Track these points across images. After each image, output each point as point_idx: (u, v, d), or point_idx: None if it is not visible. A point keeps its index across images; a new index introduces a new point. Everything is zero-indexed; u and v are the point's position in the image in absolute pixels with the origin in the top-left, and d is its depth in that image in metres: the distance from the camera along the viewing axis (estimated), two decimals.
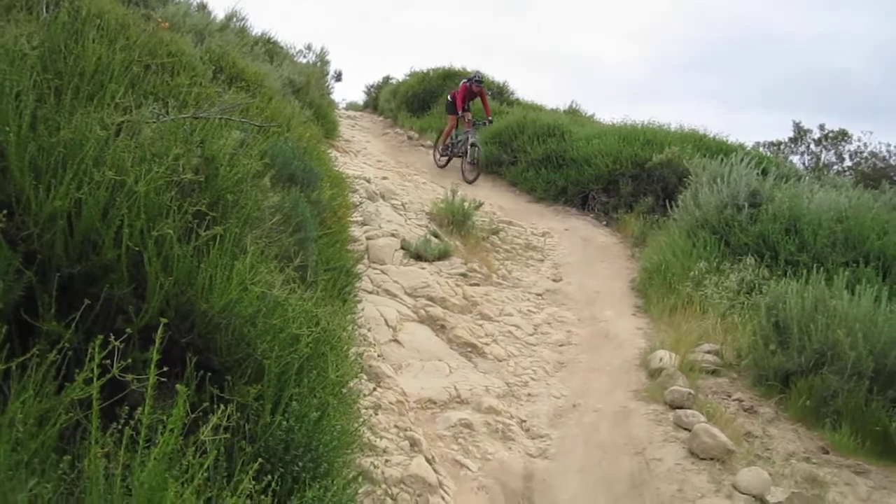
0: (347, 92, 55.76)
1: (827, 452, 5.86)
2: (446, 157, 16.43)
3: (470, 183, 14.81)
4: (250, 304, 3.00)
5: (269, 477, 2.44)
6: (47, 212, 2.74)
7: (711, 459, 5.31)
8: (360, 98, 28.04)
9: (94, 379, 1.99)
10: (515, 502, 4.86)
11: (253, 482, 2.40)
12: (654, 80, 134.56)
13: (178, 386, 2.00)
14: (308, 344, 3.19)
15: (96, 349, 2.05)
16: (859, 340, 6.31)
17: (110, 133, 3.20)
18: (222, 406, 2.53)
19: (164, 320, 2.42)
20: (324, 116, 13.97)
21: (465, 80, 16.52)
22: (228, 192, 3.59)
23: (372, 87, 26.72)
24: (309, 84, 14.31)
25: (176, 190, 3.27)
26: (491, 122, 16.44)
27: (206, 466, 2.06)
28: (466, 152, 15.46)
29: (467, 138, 15.48)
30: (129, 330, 2.59)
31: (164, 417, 2.14)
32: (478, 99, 16.55)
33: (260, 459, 2.63)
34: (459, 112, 15.88)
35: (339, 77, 21.94)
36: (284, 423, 2.88)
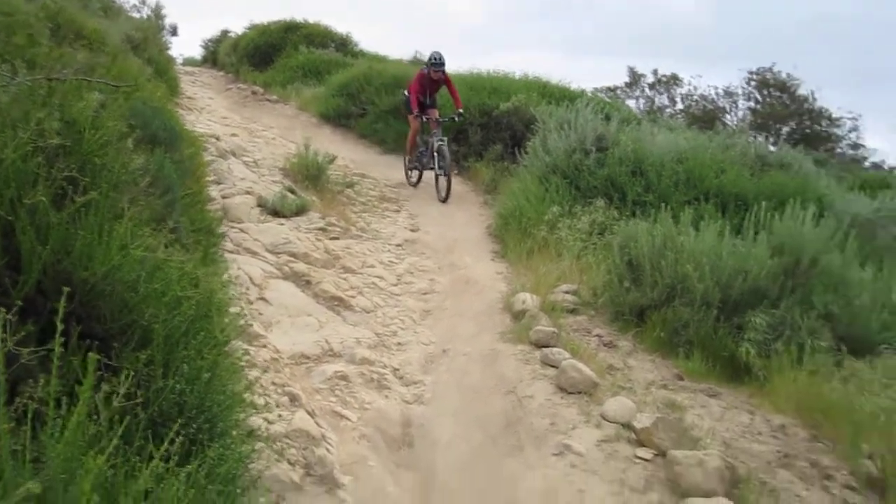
0: (184, 47, 53.89)
1: (682, 379, 6.25)
2: (416, 172, 12.99)
3: (443, 202, 11.89)
4: (132, 268, 2.95)
5: (173, 440, 2.43)
6: None
7: (579, 393, 5.58)
8: (197, 53, 27.22)
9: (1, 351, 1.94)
10: (396, 448, 4.98)
11: (153, 446, 2.40)
12: (494, 28, 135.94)
13: (90, 354, 1.97)
14: (192, 306, 3.17)
15: None
16: (706, 273, 6.72)
17: None
18: (114, 374, 2.50)
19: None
20: (164, 73, 13.48)
21: (422, 67, 13.12)
22: (95, 156, 3.48)
23: (210, 41, 26.01)
24: (146, 40, 13.73)
25: (41, 156, 3.16)
26: (461, 115, 12.85)
27: (118, 434, 2.05)
28: (434, 161, 12.18)
29: (432, 143, 12.19)
30: (17, 303, 2.50)
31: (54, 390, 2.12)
32: (444, 89, 13.09)
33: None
34: (415, 111, 12.45)
35: (175, 32, 21.20)
36: (177, 385, 2.87)
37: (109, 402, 2.38)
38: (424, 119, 12.50)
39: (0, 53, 4.48)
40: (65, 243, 2.86)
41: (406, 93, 12.99)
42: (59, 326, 2.07)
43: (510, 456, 4.89)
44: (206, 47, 26.56)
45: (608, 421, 5.19)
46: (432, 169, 12.37)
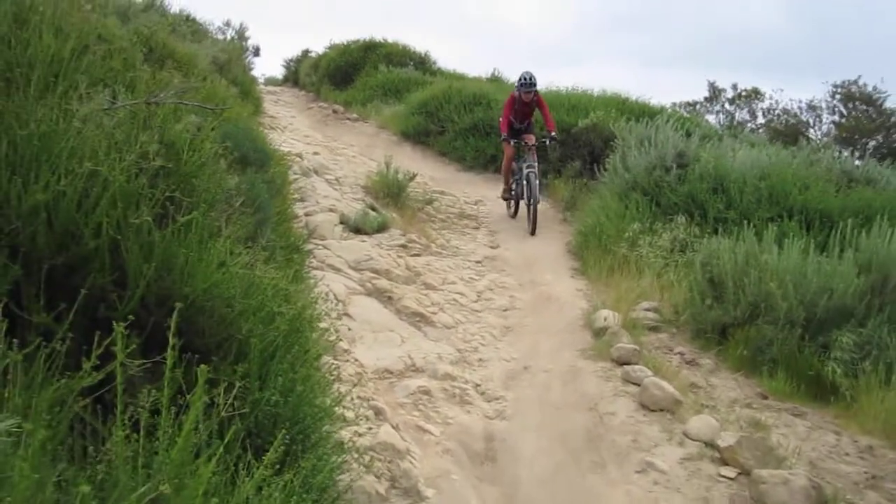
0: (266, 67, 55.09)
1: (766, 398, 6.18)
2: (513, 202, 12.09)
3: (531, 234, 11.07)
4: (230, 284, 3.08)
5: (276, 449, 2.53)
6: (29, 205, 2.77)
7: (661, 410, 5.57)
8: (278, 72, 27.76)
9: (118, 363, 2.06)
10: (479, 462, 5.04)
11: (251, 456, 2.51)
12: (570, 42, 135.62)
13: (201, 366, 2.09)
14: (285, 321, 3.29)
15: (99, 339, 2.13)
16: (790, 291, 6.63)
17: (83, 124, 3.22)
18: (213, 386, 2.62)
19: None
20: (248, 93, 13.84)
21: (513, 90, 12.08)
22: (193, 177, 3.64)
23: (291, 60, 26.49)
24: (231, 61, 14.13)
25: (144, 178, 3.32)
26: (555, 138, 12.14)
27: (226, 441, 2.16)
28: (523, 192, 11.44)
29: (523, 170, 11.40)
30: (130, 317, 2.64)
31: (163, 399, 2.24)
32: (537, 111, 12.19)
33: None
34: (504, 133, 11.73)
35: (257, 52, 21.71)
36: (272, 397, 2.98)
37: (209, 413, 2.50)
38: (514, 143, 11.65)
39: (101, 78, 4.71)
40: (167, 261, 3.00)
41: (500, 119, 12.13)
42: (172, 340, 2.19)
43: (592, 472, 4.91)
44: (287, 67, 27.08)
45: (691, 439, 5.18)
46: (522, 199, 11.60)
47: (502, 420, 5.64)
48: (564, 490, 4.74)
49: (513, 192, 11.95)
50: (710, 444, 5.10)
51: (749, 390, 6.25)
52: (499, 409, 5.79)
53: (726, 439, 5.02)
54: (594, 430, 5.41)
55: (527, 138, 11.69)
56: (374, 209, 10.18)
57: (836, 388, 6.16)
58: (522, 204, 11.66)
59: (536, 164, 11.36)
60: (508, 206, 12.17)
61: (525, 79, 11.59)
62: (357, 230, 9.32)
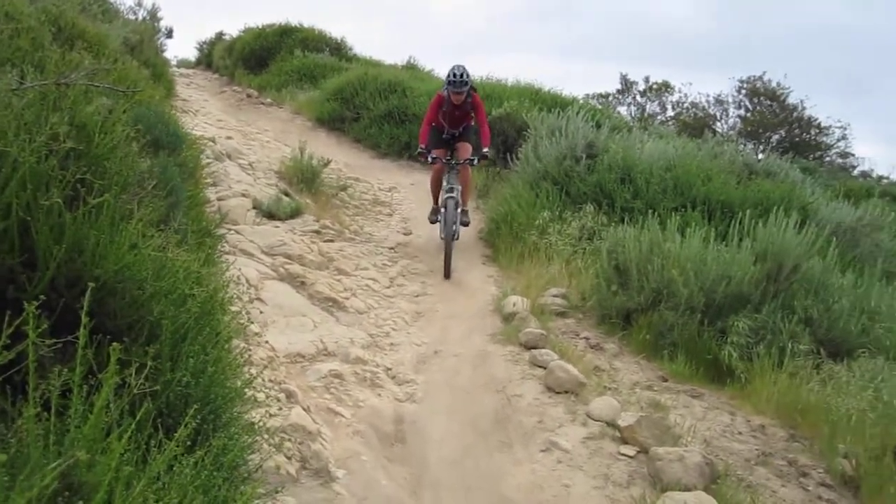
0: (178, 49, 53.93)
1: (666, 380, 6.44)
2: (435, 222, 10.05)
3: (446, 277, 8.83)
4: (142, 267, 3.11)
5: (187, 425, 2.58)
6: None
7: (566, 392, 5.77)
8: (191, 55, 27.33)
9: (30, 342, 2.10)
10: (389, 444, 5.14)
11: (163, 435, 2.56)
12: (486, 31, 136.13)
13: (114, 344, 2.13)
14: (197, 304, 3.33)
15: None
16: (691, 278, 6.91)
17: None
18: (123, 367, 2.66)
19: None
20: (160, 76, 13.61)
21: (441, 88, 9.85)
22: (105, 159, 3.64)
23: (204, 43, 26.11)
24: (142, 42, 13.86)
25: (55, 159, 3.31)
26: (485, 156, 9.77)
27: (137, 419, 2.21)
28: (445, 223, 9.17)
29: (446, 197, 9.35)
30: (41, 297, 2.65)
31: (75, 377, 2.28)
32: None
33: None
34: (423, 146, 9.56)
35: (170, 34, 21.31)
36: (184, 378, 3.02)
37: (120, 393, 2.54)
38: (431, 159, 9.56)
39: (9, 58, 4.64)
40: (78, 243, 3.01)
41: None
42: (84, 319, 2.22)
43: (499, 452, 5.06)
44: (200, 49, 26.71)
45: (593, 419, 5.39)
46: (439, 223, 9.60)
47: (412, 403, 5.76)
48: (472, 470, 4.88)
49: (439, 217, 9.70)
50: (612, 424, 5.31)
51: (650, 373, 6.50)
52: (409, 392, 5.90)
53: (627, 419, 5.24)
54: (502, 411, 5.57)
55: (459, 149, 9.84)
56: (287, 195, 10.17)
57: (732, 370, 6.46)
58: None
59: (459, 187, 9.40)
60: (441, 232, 9.57)
61: (455, 75, 9.30)
62: (270, 215, 9.31)
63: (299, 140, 12.37)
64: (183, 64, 26.08)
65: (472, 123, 9.93)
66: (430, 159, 9.55)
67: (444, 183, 9.49)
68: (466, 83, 9.37)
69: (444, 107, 9.62)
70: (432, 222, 10.02)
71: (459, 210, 9.34)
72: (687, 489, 4.50)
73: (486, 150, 9.58)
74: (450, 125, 9.82)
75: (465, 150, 9.81)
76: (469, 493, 4.63)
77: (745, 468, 5.08)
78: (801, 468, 5.24)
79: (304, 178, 11.05)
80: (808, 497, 4.92)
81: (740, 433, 5.61)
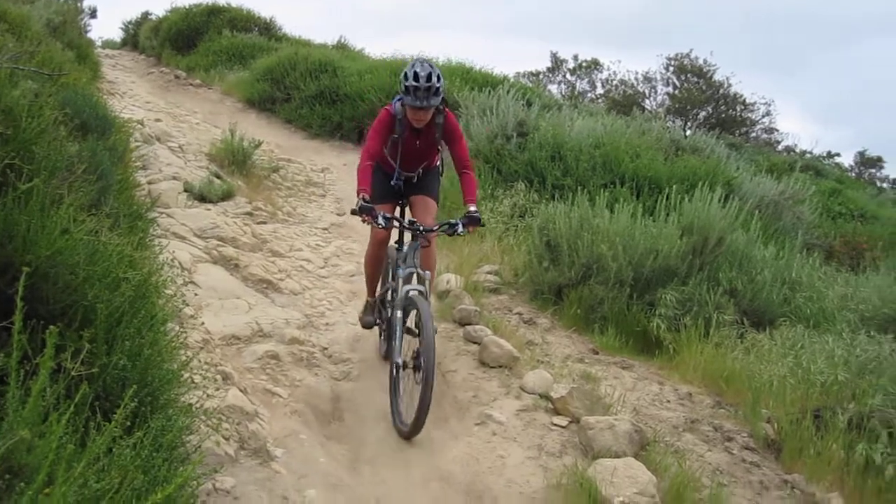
0: (103, 29, 52.56)
1: (597, 353, 6.61)
2: (379, 327, 6.27)
3: (406, 438, 5.03)
4: (74, 251, 3.11)
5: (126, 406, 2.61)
6: None
7: (500, 367, 5.90)
8: (116, 35, 26.74)
9: None
10: (327, 422, 5.20)
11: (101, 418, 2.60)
12: (416, 9, 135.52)
13: (50, 328, 2.16)
14: (131, 287, 3.34)
15: None
16: (620, 253, 7.08)
17: None
18: (59, 352, 2.67)
19: None
20: (85, 57, 13.34)
21: (393, 98, 5.71)
22: (33, 144, 3.62)
23: (130, 23, 25.54)
24: (66, 23, 13.59)
25: None
26: (478, 220, 5.53)
27: (75, 402, 2.24)
28: (393, 326, 5.36)
29: (400, 284, 5.46)
30: None
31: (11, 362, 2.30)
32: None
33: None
34: (365, 195, 5.26)
35: (94, 14, 20.85)
36: (120, 361, 3.04)
37: (56, 378, 2.55)
38: (382, 221, 5.26)
39: None
40: (8, 228, 3.00)
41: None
42: (20, 303, 2.24)
43: (435, 427, 5.15)
44: (125, 30, 26.13)
45: (527, 392, 5.53)
46: (384, 331, 6.06)
47: (349, 381, 5.83)
48: (409, 445, 4.97)
49: (380, 320, 6.16)
50: (545, 396, 5.46)
51: (581, 346, 6.67)
52: (346, 371, 5.96)
53: (559, 391, 5.38)
54: (437, 387, 5.62)
55: (417, 205, 5.95)
56: (219, 177, 10.10)
57: (660, 342, 6.67)
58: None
59: (427, 274, 5.49)
60: (381, 335, 6.25)
61: (417, 77, 5.17)
62: (202, 198, 9.24)
63: (230, 122, 12.27)
64: (108, 45, 25.53)
65: (437, 164, 6.12)
66: (379, 222, 5.23)
67: (397, 264, 5.69)
68: (438, 92, 5.27)
69: (397, 132, 5.58)
70: (366, 326, 6.27)
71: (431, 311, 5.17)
72: (617, 456, 4.66)
73: (473, 208, 5.56)
74: (404, 164, 5.83)
75: (427, 208, 5.92)
76: (407, 467, 4.72)
77: (673, 434, 5.27)
78: (726, 433, 5.45)
79: (235, 160, 10.97)
80: (733, 460, 5.13)
81: (668, 401, 5.80)
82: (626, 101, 28.53)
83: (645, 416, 5.44)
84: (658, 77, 32.09)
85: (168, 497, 2.36)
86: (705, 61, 30.93)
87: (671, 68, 31.63)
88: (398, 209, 6.10)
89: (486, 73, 16.08)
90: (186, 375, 3.71)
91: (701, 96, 30.41)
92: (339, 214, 10.50)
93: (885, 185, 32.17)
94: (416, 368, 5.04)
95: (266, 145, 12.67)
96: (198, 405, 3.72)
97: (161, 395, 3.18)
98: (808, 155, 28.21)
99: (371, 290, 6.26)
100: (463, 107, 11.96)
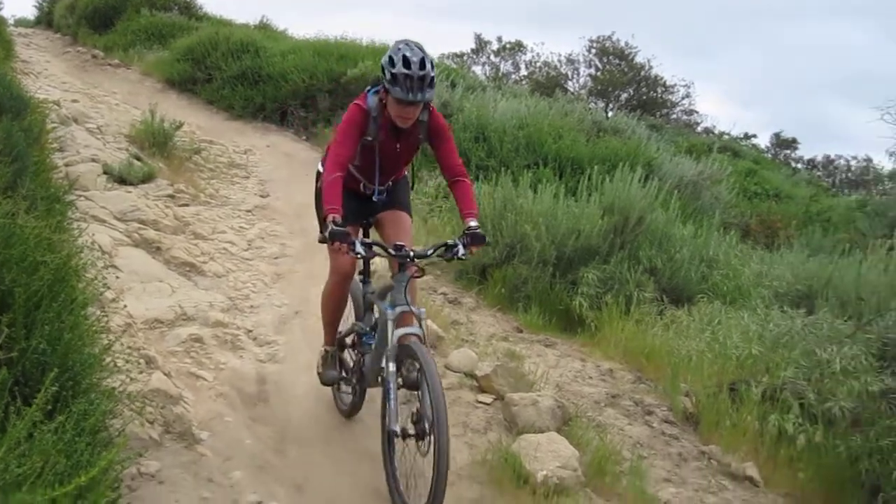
0: (15, 7, 50.89)
1: (521, 331, 6.72)
2: (347, 393, 5.15)
3: None
4: None
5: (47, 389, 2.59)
6: None
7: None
8: (30, 13, 25.93)
9: None
10: (252, 404, 5.19)
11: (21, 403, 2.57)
12: None
13: None
14: (50, 271, 3.30)
15: None
16: (543, 233, 7.20)
17: None
18: None
19: None
20: None
21: (370, 86, 4.62)
22: None
23: (44, 1, 24.77)
24: None
25: None
26: (482, 238, 4.46)
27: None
28: (386, 381, 4.17)
29: (388, 329, 4.25)
30: None
31: None
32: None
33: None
34: (332, 215, 4.12)
35: None
36: (40, 346, 3.01)
37: None
38: (360, 250, 4.20)
39: None
40: None
41: (320, 165, 4.94)
42: None
43: (363, 407, 5.18)
44: (39, 7, 25.33)
45: (452, 371, 5.60)
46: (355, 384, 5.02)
47: (274, 363, 5.82)
48: (333, 425, 5.01)
49: (350, 373, 5.08)
50: (470, 375, 5.55)
51: (506, 324, 6.77)
52: (271, 353, 5.96)
53: (484, 369, 5.48)
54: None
55: (388, 224, 4.94)
56: (139, 159, 9.92)
57: (582, 320, 6.82)
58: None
59: (422, 311, 4.34)
60: (336, 394, 5.30)
61: (407, 62, 4.15)
62: (122, 180, 9.07)
63: (150, 102, 12.04)
64: (21, 23, 24.73)
65: (405, 174, 5.17)
66: (357, 250, 4.17)
67: (370, 300, 4.87)
68: (433, 83, 4.31)
69: (370, 134, 4.51)
70: (328, 382, 5.13)
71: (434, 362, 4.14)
72: (540, 431, 4.77)
73: (475, 224, 4.50)
74: (382, 173, 4.77)
75: (401, 226, 4.92)
76: (331, 446, 4.75)
77: (595, 410, 5.41)
78: (646, 407, 5.61)
79: (155, 141, 10.78)
80: (653, 434, 5.29)
81: (590, 378, 5.95)
82: (549, 83, 28.78)
83: (568, 393, 5.57)
84: (581, 59, 32.50)
85: (91, 481, 2.36)
86: (627, 44, 31.43)
87: (593, 50, 32.05)
88: (362, 230, 4.94)
89: None
90: (109, 359, 3.67)
91: (622, 78, 30.88)
92: (262, 196, 10.42)
93: (799, 165, 33.18)
94: (418, 436, 3.99)
95: (187, 126, 12.47)
96: (121, 389, 3.69)
97: (83, 379, 3.15)
98: (727, 136, 28.96)
99: (329, 337, 5.13)
100: None
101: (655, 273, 7.22)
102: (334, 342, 5.15)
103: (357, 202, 4.75)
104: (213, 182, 10.61)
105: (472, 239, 4.40)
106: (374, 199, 4.79)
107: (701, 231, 8.27)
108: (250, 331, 6.28)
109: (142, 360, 4.96)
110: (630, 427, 5.28)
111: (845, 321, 6.09)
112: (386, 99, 4.36)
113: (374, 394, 4.88)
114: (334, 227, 4.04)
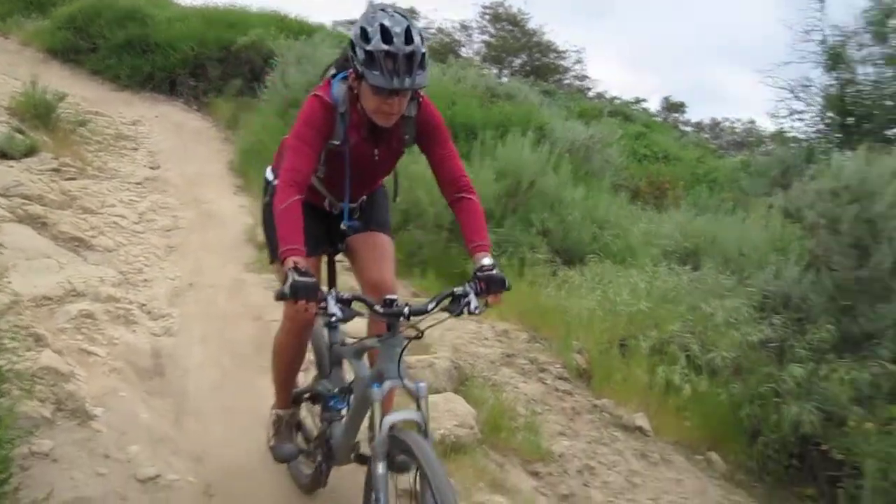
0: None
1: (418, 296, 6.80)
2: (306, 469, 4.07)
3: None
4: None
5: None
6: None
7: None
8: None
9: None
10: (147, 378, 5.14)
11: None
12: None
13: None
14: None
15: None
16: (437, 198, 7.27)
17: None
18: None
19: None
20: None
21: (334, 65, 3.55)
22: None
23: None
24: None
25: None
26: (496, 277, 3.09)
27: None
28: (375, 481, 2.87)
29: (390, 425, 2.93)
30: None
31: None
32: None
33: None
34: (293, 264, 2.81)
35: None
36: None
37: None
38: (337, 312, 2.84)
39: None
40: None
41: (269, 171, 3.85)
42: None
43: (260, 375, 5.14)
44: None
45: (350, 337, 5.62)
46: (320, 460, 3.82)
47: (169, 336, 5.76)
48: (232, 394, 5.00)
49: (312, 444, 3.98)
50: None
51: (403, 290, 6.82)
52: (165, 327, 5.90)
53: None
54: (260, 337, 5.67)
55: (362, 248, 3.81)
56: (21, 132, 9.58)
57: None
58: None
59: (422, 385, 3.05)
60: (292, 462, 4.19)
61: (387, 33, 2.88)
62: (3, 155, 8.75)
63: (31, 73, 11.61)
64: None
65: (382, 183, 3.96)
66: (332, 311, 2.84)
67: (338, 359, 3.92)
68: (425, 62, 3.00)
69: (337, 137, 3.32)
70: (285, 458, 4.07)
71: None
72: (438, 392, 4.87)
73: (489, 262, 3.24)
74: (356, 184, 3.58)
75: (381, 253, 3.84)
76: (230, 414, 4.76)
77: (491, 369, 5.54)
78: (540, 365, 5.78)
79: (38, 113, 10.40)
80: (547, 390, 5.46)
81: (486, 339, 6.07)
82: (443, 49, 28.77)
83: (464, 354, 5.68)
84: (474, 25, 32.60)
85: None
86: (519, 10, 31.66)
87: (486, 16, 32.18)
88: (327, 261, 3.90)
89: (302, 21, 15.89)
90: None
91: (515, 44, 31.14)
92: (153, 168, 10.24)
93: (687, 128, 34.09)
94: None
95: (72, 98, 12.08)
96: (8, 369, 3.63)
97: None
98: (617, 101, 29.52)
99: (283, 400, 4.04)
100: (279, 55, 11.80)
101: (548, 235, 7.39)
102: (289, 404, 4.03)
103: (320, 223, 3.67)
104: (100, 155, 10.35)
105: (490, 284, 3.09)
106: (343, 223, 3.60)
107: (592, 193, 8.48)
108: (144, 305, 6.19)
109: (30, 338, 4.86)
110: (525, 385, 5.43)
111: (728, 276, 6.37)
112: (359, 88, 3.15)
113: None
114: (297, 280, 2.74)
